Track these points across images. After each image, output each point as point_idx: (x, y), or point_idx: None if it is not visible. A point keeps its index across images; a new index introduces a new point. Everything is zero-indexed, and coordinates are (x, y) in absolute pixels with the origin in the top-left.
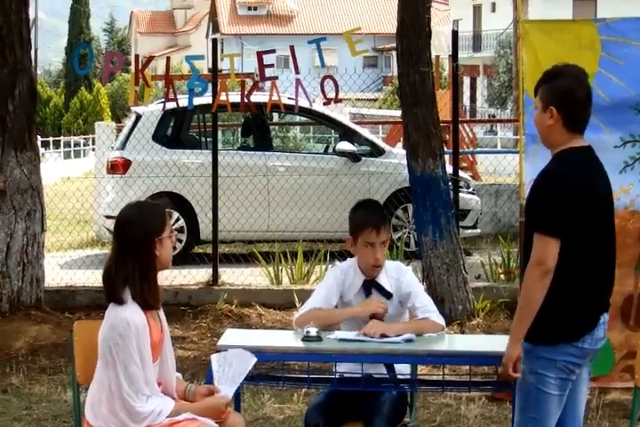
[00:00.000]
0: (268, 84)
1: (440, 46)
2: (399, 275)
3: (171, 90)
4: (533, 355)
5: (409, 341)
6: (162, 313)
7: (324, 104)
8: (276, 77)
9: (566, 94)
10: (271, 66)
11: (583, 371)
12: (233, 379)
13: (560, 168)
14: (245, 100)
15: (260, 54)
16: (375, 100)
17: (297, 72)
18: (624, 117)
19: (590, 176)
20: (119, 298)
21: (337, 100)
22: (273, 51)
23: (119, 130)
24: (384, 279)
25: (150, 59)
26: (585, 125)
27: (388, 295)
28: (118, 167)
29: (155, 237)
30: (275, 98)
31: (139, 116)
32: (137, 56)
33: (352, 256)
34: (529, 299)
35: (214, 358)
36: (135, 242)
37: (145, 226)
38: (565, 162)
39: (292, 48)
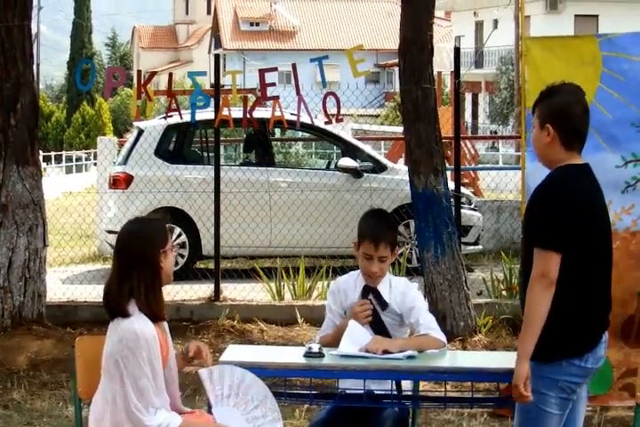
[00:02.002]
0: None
1: (442, 63)
2: (405, 289)
3: (173, 104)
4: (537, 374)
5: (411, 357)
6: (166, 326)
7: (326, 123)
8: (277, 97)
9: (562, 111)
10: (273, 84)
11: (582, 390)
12: (231, 401)
13: (559, 180)
14: (248, 116)
15: (261, 72)
16: (377, 116)
17: (298, 92)
18: (625, 135)
19: (589, 190)
20: (124, 311)
21: (338, 119)
22: (275, 68)
23: (121, 145)
24: (385, 289)
25: (153, 74)
26: (583, 143)
27: (383, 305)
28: (120, 182)
29: (160, 248)
30: (277, 114)
31: (141, 131)
32: (139, 71)
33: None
34: (534, 314)
35: (203, 373)
36: (142, 255)
37: (151, 239)
38: (564, 175)
39: (294, 66)
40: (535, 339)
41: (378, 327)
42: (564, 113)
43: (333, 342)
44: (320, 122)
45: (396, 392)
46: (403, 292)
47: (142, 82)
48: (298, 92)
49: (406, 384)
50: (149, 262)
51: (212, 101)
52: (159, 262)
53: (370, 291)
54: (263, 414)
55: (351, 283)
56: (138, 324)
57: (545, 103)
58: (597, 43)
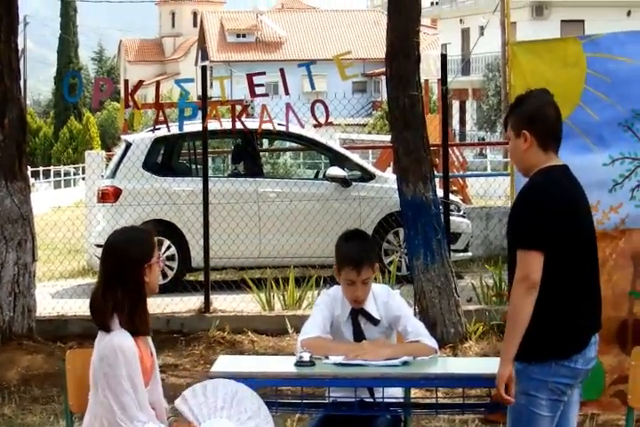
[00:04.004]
0: (258, 110)
1: (429, 70)
2: (388, 298)
3: (161, 116)
4: (525, 376)
5: (406, 363)
6: (149, 338)
7: (315, 126)
8: (267, 95)
9: (535, 114)
10: (261, 85)
11: (574, 392)
12: (224, 413)
13: (540, 183)
14: (237, 124)
15: (250, 76)
16: (364, 125)
17: (287, 93)
18: (613, 135)
19: (571, 190)
20: (107, 326)
21: (327, 123)
22: (263, 73)
23: (109, 159)
24: (371, 306)
25: (140, 82)
26: (559, 143)
27: (375, 322)
28: (109, 196)
29: (144, 263)
30: (265, 120)
31: (129, 145)
32: (126, 81)
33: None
34: (517, 316)
35: (197, 388)
36: (124, 270)
37: (134, 254)
38: (545, 177)
39: (282, 71)
40: (518, 341)
41: None
42: (537, 116)
43: (328, 351)
44: (308, 131)
45: (387, 400)
46: (385, 302)
47: (130, 91)
48: (287, 92)
49: (397, 391)
50: (132, 279)
51: (200, 112)
52: (143, 278)
53: (358, 313)
54: (257, 425)
55: (338, 300)
56: (117, 340)
57: (516, 112)
58: (581, 44)
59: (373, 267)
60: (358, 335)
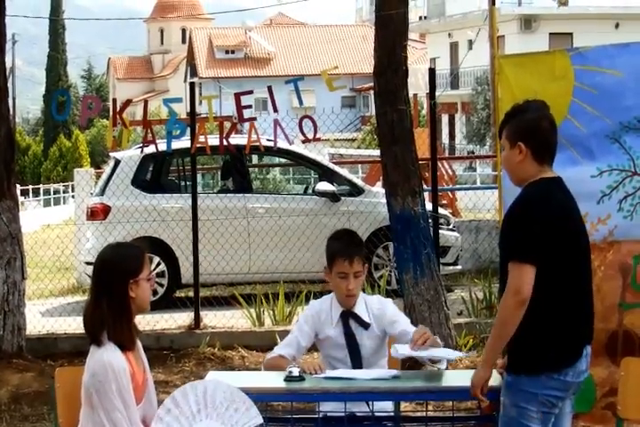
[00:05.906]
0: (246, 126)
1: (417, 85)
2: (381, 305)
3: (149, 133)
4: (515, 388)
5: (396, 377)
6: (143, 355)
7: (303, 142)
8: (255, 118)
9: (532, 128)
10: (249, 107)
11: (566, 404)
12: (203, 415)
13: (533, 195)
14: (224, 142)
15: (237, 96)
16: (354, 140)
17: (275, 110)
18: (600, 148)
19: (564, 203)
20: (98, 340)
21: (316, 139)
22: (250, 92)
23: (98, 176)
24: (362, 310)
25: (129, 101)
26: (553, 156)
27: (365, 326)
28: (98, 213)
29: (129, 278)
30: (254, 138)
31: (117, 162)
32: (114, 100)
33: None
34: (504, 327)
35: (167, 404)
36: (109, 284)
37: (119, 268)
38: (538, 189)
39: (269, 88)
40: (500, 350)
41: (353, 357)
42: (534, 129)
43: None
44: (297, 147)
45: (377, 413)
46: (379, 308)
47: (118, 110)
48: (275, 110)
49: (388, 405)
50: (117, 293)
51: (188, 130)
52: (128, 293)
53: (348, 316)
54: (236, 409)
55: (326, 306)
56: (107, 355)
57: (513, 123)
58: (569, 57)
59: (363, 262)
60: (349, 338)
